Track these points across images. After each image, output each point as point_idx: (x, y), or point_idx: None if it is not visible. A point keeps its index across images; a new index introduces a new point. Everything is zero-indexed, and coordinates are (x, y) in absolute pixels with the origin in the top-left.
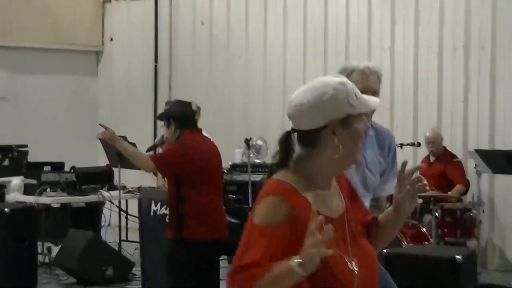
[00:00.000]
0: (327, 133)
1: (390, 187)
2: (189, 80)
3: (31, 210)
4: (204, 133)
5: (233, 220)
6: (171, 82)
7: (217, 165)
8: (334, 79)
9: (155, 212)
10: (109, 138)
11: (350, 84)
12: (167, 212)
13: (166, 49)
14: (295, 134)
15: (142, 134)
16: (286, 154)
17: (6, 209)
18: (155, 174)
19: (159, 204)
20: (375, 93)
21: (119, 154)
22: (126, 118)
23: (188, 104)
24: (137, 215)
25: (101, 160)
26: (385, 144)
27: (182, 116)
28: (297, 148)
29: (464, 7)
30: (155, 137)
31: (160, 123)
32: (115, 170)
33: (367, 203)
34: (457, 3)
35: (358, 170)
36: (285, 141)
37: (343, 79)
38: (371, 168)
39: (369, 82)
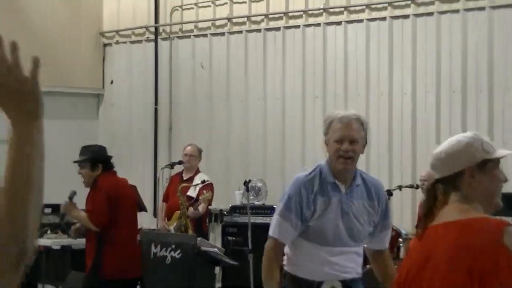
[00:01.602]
0: (465, 177)
1: (388, 238)
2: (189, 123)
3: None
4: (203, 175)
5: (231, 262)
6: (171, 125)
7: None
8: (469, 132)
9: (155, 254)
10: (67, 209)
11: (483, 136)
12: (167, 254)
13: (166, 91)
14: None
15: (143, 176)
16: (432, 203)
17: None
18: (155, 216)
19: (159, 246)
20: (353, 141)
21: None
22: (126, 161)
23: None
24: None
25: None
26: (373, 195)
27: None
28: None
29: (460, 52)
30: (155, 179)
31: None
32: None
33: (353, 254)
34: (454, 49)
35: (344, 220)
36: (431, 191)
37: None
38: (358, 218)
39: (347, 130)
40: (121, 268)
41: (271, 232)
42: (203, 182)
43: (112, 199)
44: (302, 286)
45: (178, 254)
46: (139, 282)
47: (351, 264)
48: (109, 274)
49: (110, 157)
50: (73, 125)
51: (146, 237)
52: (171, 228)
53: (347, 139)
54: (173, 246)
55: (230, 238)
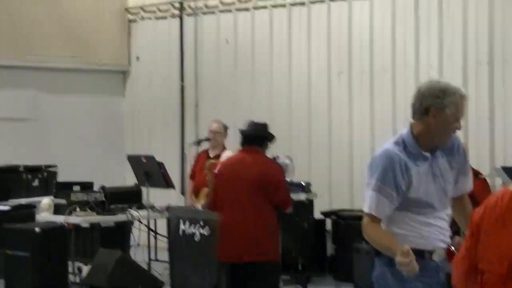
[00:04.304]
0: None
1: (469, 182)
2: (215, 99)
3: (61, 229)
4: (230, 151)
5: None
6: (197, 101)
7: None
8: None
9: (183, 231)
10: None
11: None
12: (195, 230)
13: (191, 67)
14: None
15: (169, 153)
16: None
17: (36, 229)
18: (183, 193)
19: (187, 223)
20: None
21: (146, 173)
22: (152, 137)
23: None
24: (166, 234)
25: (128, 179)
26: (451, 147)
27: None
28: None
29: (487, 22)
30: (182, 155)
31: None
32: (143, 189)
33: (447, 217)
34: (480, 17)
35: (436, 184)
36: None
37: None
38: (446, 177)
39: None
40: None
41: (367, 209)
42: None
43: None
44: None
45: (207, 231)
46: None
47: (447, 227)
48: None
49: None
50: (100, 101)
51: (174, 214)
52: (199, 205)
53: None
54: (201, 223)
55: None
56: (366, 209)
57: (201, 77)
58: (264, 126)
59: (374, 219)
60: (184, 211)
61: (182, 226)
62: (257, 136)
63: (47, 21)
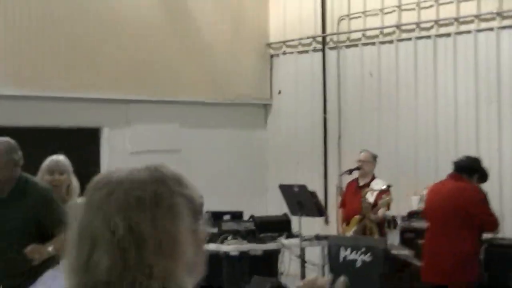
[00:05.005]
0: None
1: None
2: (358, 131)
3: (216, 257)
4: (379, 180)
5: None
6: (340, 133)
7: None
8: None
9: (344, 257)
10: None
11: None
12: (356, 257)
13: (334, 100)
14: None
15: (313, 185)
16: None
17: None
18: (326, 222)
19: (348, 250)
20: None
21: (299, 202)
22: (295, 169)
23: None
24: (315, 262)
25: (269, 210)
26: None
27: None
28: None
29: None
30: (325, 187)
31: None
32: (294, 218)
33: None
34: None
35: None
36: None
37: None
38: None
39: None
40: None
41: None
42: (388, 186)
43: None
44: None
45: (368, 258)
46: None
47: None
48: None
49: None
50: (243, 135)
51: (334, 241)
52: (350, 233)
53: None
54: (363, 250)
55: (419, 241)
56: None
57: (344, 110)
58: (477, 161)
59: None
60: (344, 238)
61: (343, 253)
62: (467, 166)
63: (189, 57)
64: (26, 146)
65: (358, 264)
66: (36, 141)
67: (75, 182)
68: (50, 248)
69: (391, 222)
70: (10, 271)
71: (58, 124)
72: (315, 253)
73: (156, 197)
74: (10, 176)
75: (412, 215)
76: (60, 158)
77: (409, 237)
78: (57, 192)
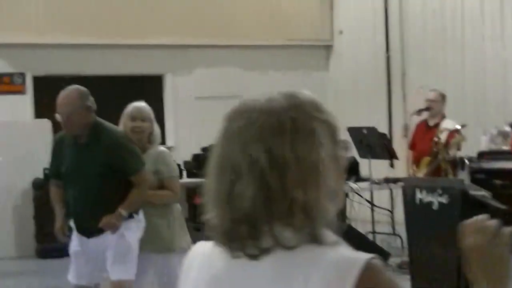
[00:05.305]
0: None
1: None
2: (421, 69)
3: None
4: (449, 120)
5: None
6: (404, 70)
7: None
8: None
9: (420, 200)
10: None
11: None
12: (433, 199)
13: (397, 38)
14: None
15: (375, 124)
16: None
17: None
18: (391, 164)
19: (424, 192)
20: None
21: (368, 145)
22: (357, 110)
23: None
24: (383, 207)
25: None
26: None
27: None
28: None
29: None
30: (390, 127)
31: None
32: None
33: None
34: None
35: None
36: None
37: None
38: None
39: None
40: None
41: None
42: (462, 126)
43: None
44: None
45: (446, 199)
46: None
47: None
48: None
49: None
50: (304, 77)
51: (409, 183)
52: (420, 174)
53: None
54: (440, 191)
55: (497, 181)
56: None
57: (407, 47)
58: None
59: None
60: (420, 180)
61: (418, 195)
62: None
63: (249, 2)
64: (91, 94)
65: (435, 206)
66: (100, 89)
67: (157, 130)
68: (123, 211)
69: (459, 163)
70: (92, 215)
71: (121, 72)
72: (382, 197)
73: (295, 123)
74: (87, 121)
75: (482, 155)
76: (143, 104)
77: (479, 178)
78: (138, 139)
